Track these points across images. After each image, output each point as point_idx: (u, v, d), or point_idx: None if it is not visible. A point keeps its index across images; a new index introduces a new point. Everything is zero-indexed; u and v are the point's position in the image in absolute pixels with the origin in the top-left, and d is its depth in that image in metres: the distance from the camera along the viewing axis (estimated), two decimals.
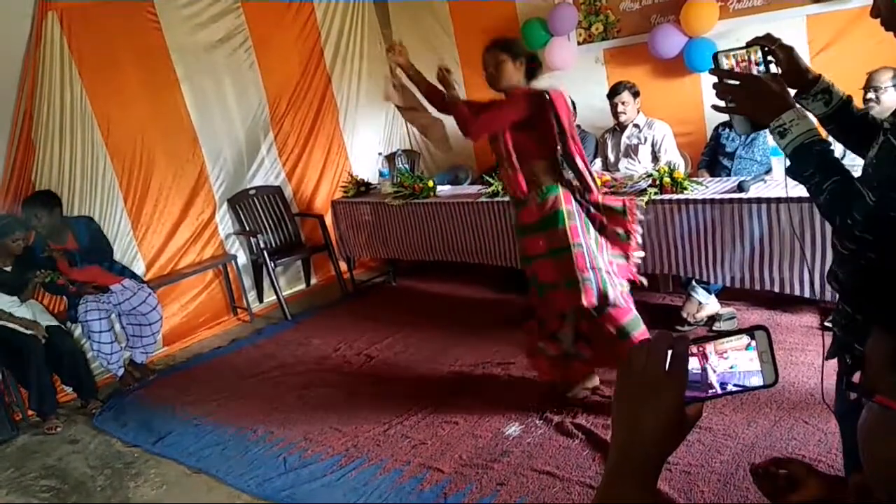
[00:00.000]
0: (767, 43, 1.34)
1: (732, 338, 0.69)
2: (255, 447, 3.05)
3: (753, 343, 0.69)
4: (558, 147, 2.68)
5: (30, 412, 3.70)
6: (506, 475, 2.56)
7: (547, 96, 2.62)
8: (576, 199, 2.71)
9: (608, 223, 2.76)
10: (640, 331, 2.73)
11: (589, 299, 2.62)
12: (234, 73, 4.89)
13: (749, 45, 1.34)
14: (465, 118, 2.65)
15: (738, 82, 1.29)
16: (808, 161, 1.22)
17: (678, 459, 2.45)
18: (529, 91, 2.70)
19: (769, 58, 1.33)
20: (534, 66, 2.75)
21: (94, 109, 4.19)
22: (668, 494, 2.27)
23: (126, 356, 4.07)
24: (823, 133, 1.29)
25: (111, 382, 4.02)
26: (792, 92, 1.33)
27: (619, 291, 2.71)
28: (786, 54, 1.34)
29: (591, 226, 2.73)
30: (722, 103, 1.32)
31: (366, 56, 5.65)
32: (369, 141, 5.71)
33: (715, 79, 1.31)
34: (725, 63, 1.33)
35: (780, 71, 1.34)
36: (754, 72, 1.32)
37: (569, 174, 2.72)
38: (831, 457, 2.31)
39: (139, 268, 4.39)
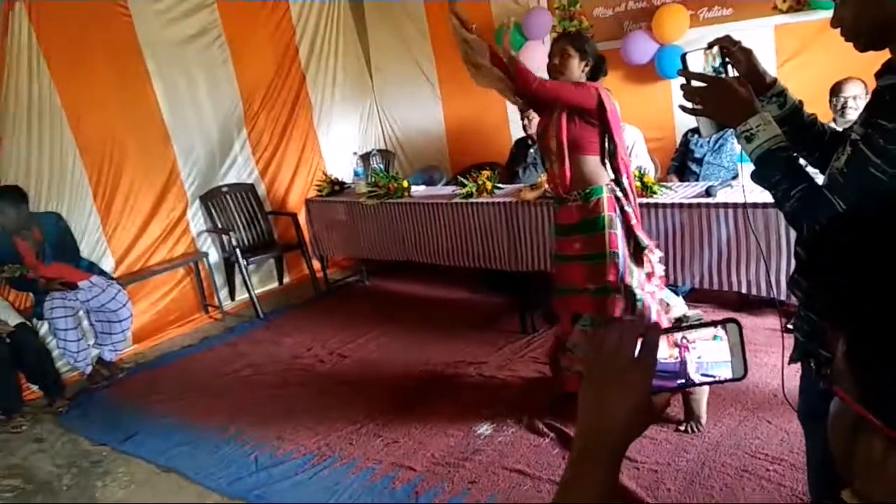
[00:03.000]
0: (727, 44, 1.37)
1: (704, 329, 0.69)
2: (225, 446, 3.03)
3: (724, 336, 0.69)
4: (608, 148, 2.61)
5: None
6: (477, 473, 2.58)
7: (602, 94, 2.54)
8: (619, 208, 2.62)
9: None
10: None
11: (616, 311, 2.57)
12: (207, 70, 4.85)
13: (710, 45, 1.37)
14: (528, 72, 2.42)
15: (705, 84, 1.31)
16: (775, 167, 1.24)
17: (646, 458, 2.50)
18: (595, 85, 2.59)
19: (727, 59, 1.36)
20: (597, 71, 2.65)
21: (63, 103, 4.12)
22: (636, 492, 2.32)
23: (94, 354, 4.01)
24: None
25: (79, 380, 3.95)
26: None
27: (648, 308, 2.63)
28: (745, 56, 1.38)
29: (632, 236, 2.64)
30: (689, 105, 1.33)
31: (341, 54, 5.65)
32: (344, 140, 5.70)
33: (683, 80, 1.32)
34: (694, 65, 1.34)
35: (737, 73, 1.37)
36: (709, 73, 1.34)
37: (612, 177, 2.63)
38: (794, 455, 2.39)
39: (108, 264, 4.32)
